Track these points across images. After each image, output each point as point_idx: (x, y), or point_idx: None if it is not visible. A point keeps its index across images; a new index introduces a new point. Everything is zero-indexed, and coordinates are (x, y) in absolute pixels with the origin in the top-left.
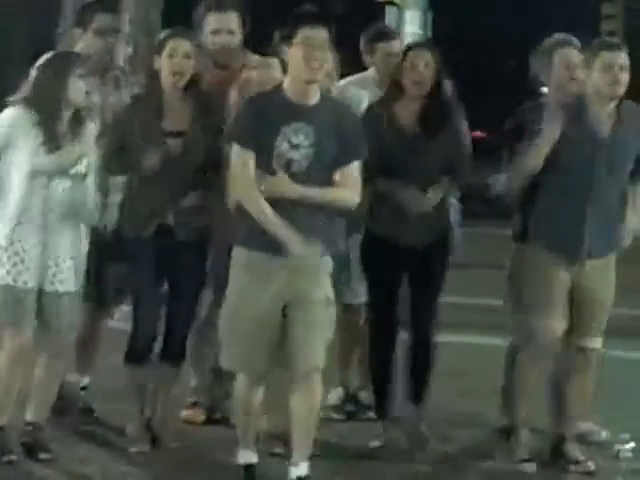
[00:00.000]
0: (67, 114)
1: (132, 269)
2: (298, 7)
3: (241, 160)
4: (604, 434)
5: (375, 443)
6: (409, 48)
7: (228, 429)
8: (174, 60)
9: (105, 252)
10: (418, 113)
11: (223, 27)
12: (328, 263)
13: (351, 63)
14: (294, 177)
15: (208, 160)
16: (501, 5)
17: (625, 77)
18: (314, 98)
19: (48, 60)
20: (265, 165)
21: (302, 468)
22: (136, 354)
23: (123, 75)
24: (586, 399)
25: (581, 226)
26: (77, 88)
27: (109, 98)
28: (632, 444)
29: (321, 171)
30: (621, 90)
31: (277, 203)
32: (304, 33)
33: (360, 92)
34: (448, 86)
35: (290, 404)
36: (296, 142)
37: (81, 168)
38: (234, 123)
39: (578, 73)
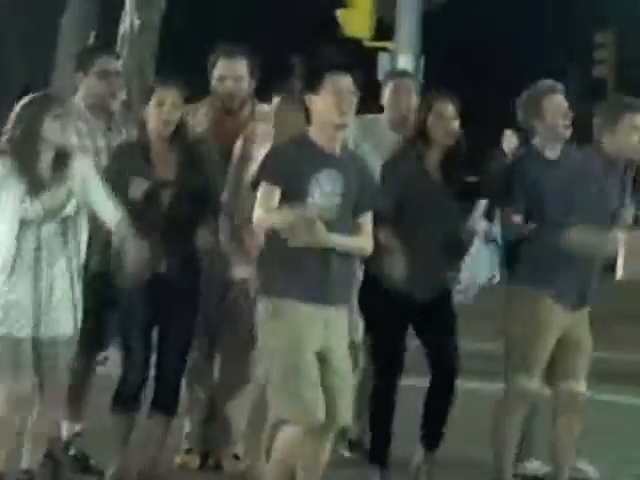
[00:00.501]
0: (48, 156)
1: (124, 316)
2: (314, 54)
3: (267, 194)
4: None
5: None
6: (433, 97)
7: (221, 475)
8: (162, 109)
9: (98, 298)
10: (439, 163)
11: (230, 74)
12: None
13: None
14: (325, 224)
15: (196, 209)
16: (495, 42)
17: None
18: (339, 146)
19: (24, 104)
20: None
21: None
22: (123, 400)
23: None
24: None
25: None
26: (53, 128)
27: (114, 142)
28: None
29: (346, 219)
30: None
31: (311, 249)
32: (333, 80)
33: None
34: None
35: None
36: (327, 190)
37: (70, 210)
38: (262, 167)
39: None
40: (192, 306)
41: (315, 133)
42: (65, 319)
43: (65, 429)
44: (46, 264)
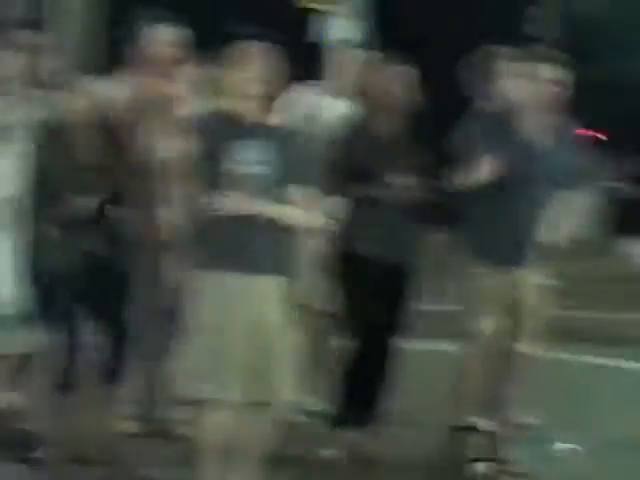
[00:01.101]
0: None
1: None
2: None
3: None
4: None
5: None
6: (385, 63)
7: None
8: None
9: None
10: (395, 126)
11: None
12: (282, 284)
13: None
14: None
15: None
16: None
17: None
18: (262, 117)
19: None
20: (220, 180)
21: None
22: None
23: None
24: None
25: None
26: None
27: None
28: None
29: (279, 191)
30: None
31: (228, 221)
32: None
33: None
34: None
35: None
36: (251, 157)
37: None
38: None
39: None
40: (121, 277)
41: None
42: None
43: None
44: None
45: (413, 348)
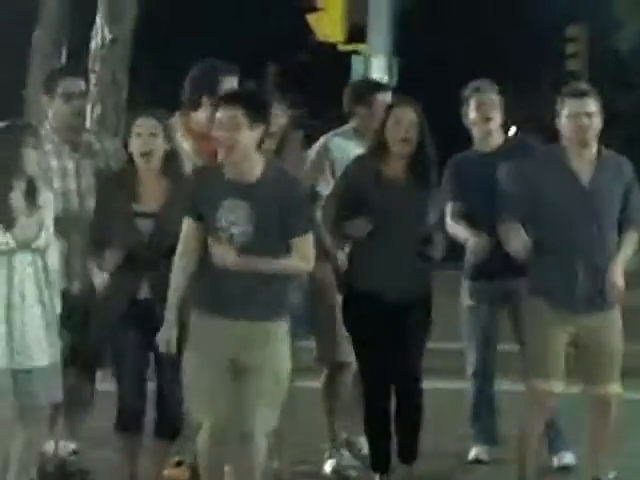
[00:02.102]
0: (21, 186)
1: (112, 342)
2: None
3: (186, 230)
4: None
5: None
6: (392, 105)
7: None
8: (141, 140)
9: (83, 316)
10: (402, 169)
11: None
12: (280, 329)
13: (319, 112)
14: (240, 249)
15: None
16: (469, 45)
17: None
18: (252, 174)
19: (1, 133)
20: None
21: None
22: (124, 423)
23: (94, 140)
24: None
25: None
26: (30, 159)
27: (82, 163)
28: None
29: (265, 245)
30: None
31: (215, 271)
32: (217, 115)
33: (347, 143)
34: (430, 141)
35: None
36: (232, 219)
37: (41, 242)
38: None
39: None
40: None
41: (225, 162)
42: (38, 351)
43: (61, 447)
44: (18, 295)
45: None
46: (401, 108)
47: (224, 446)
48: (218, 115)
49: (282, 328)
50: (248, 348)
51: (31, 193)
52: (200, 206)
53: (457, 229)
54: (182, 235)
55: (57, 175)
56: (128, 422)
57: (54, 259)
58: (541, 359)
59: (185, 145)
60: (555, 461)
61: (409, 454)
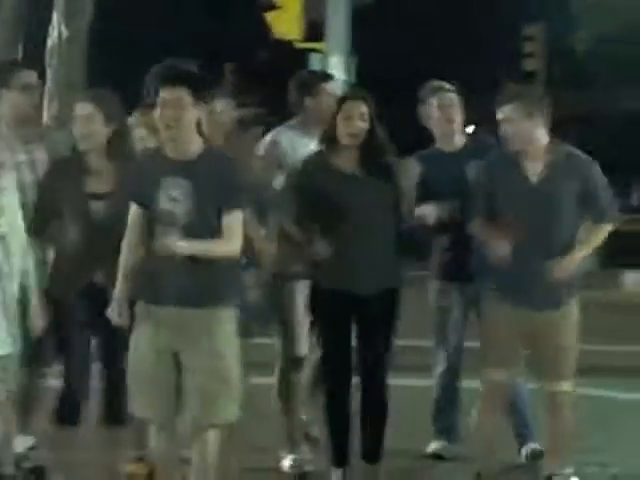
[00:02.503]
0: None
1: (60, 326)
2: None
3: (131, 215)
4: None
5: None
6: (343, 98)
7: None
8: (78, 123)
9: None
10: (355, 161)
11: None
12: (222, 314)
13: (275, 107)
14: (180, 230)
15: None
16: (425, 46)
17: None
18: (193, 152)
19: None
20: (153, 218)
21: None
22: (66, 414)
23: (47, 133)
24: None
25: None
26: None
27: (36, 154)
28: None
29: (206, 221)
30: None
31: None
32: (161, 95)
33: (295, 135)
34: (382, 132)
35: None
36: (174, 195)
37: (2, 229)
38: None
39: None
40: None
41: (164, 143)
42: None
43: (18, 443)
44: None
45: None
46: (352, 101)
47: (174, 440)
48: (163, 95)
49: (226, 314)
50: (186, 335)
51: None
52: (143, 188)
53: (423, 209)
54: (129, 221)
55: (12, 168)
56: (70, 412)
57: (14, 250)
58: (494, 350)
59: (151, 141)
60: (523, 452)
61: (374, 453)
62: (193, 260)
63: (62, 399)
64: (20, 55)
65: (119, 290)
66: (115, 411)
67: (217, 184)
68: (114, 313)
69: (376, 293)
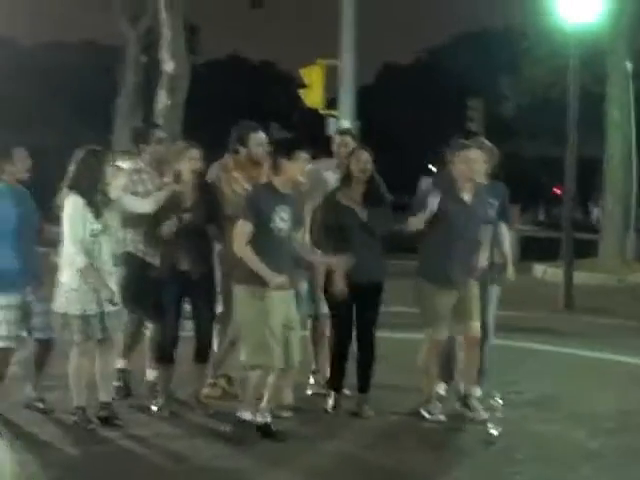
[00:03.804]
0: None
1: (162, 297)
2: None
3: (242, 227)
4: (478, 391)
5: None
6: (354, 149)
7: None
8: (193, 163)
9: (141, 283)
10: (361, 195)
11: (263, 141)
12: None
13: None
14: (285, 238)
15: (208, 227)
16: (406, 112)
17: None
18: (288, 190)
19: (85, 155)
20: (265, 232)
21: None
22: (165, 356)
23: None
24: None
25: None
26: (109, 175)
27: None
28: (500, 401)
29: (294, 232)
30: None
31: (272, 252)
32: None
33: (329, 174)
34: (376, 175)
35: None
36: (284, 217)
37: (114, 226)
38: (244, 204)
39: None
40: (210, 290)
41: (277, 181)
42: (114, 299)
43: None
44: (104, 262)
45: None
46: (360, 150)
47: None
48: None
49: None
50: (290, 309)
51: (105, 194)
52: (259, 212)
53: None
54: (239, 232)
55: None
56: (168, 354)
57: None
58: (435, 317)
59: (236, 175)
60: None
61: (365, 384)
62: (288, 256)
63: (161, 346)
64: (141, 119)
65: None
66: (203, 353)
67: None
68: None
69: (371, 282)
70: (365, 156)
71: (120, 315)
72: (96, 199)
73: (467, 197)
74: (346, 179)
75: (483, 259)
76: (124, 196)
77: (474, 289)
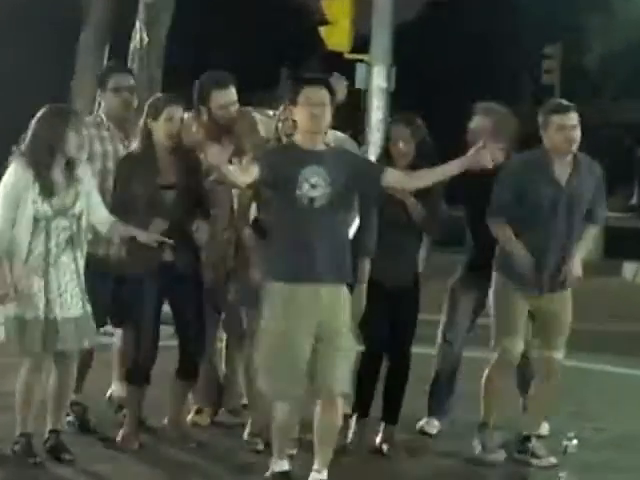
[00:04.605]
0: (61, 163)
1: (135, 301)
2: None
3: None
4: (546, 427)
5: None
6: (391, 122)
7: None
8: (170, 125)
9: (103, 280)
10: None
11: (229, 102)
12: (345, 293)
13: None
14: (318, 211)
15: (194, 207)
16: (458, 56)
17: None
18: (321, 145)
19: (45, 114)
20: (291, 203)
21: (323, 474)
22: (139, 377)
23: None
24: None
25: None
26: (72, 143)
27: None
28: (575, 441)
29: (340, 202)
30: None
31: (300, 233)
32: (306, 94)
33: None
34: (430, 149)
35: (317, 419)
36: (313, 181)
37: (76, 209)
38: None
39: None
40: (197, 285)
41: (299, 137)
42: (73, 302)
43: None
44: (54, 254)
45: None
46: (396, 126)
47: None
48: (308, 94)
49: (345, 294)
50: (325, 310)
51: (70, 169)
52: (275, 176)
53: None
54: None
55: (107, 158)
56: (142, 375)
57: (85, 227)
58: (511, 325)
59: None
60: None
61: (393, 414)
62: (323, 236)
63: (135, 365)
64: (106, 58)
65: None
66: (189, 368)
67: (348, 168)
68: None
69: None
70: (403, 134)
71: (79, 326)
72: (49, 172)
73: (563, 178)
74: (386, 163)
75: (577, 265)
76: None
77: (566, 300)
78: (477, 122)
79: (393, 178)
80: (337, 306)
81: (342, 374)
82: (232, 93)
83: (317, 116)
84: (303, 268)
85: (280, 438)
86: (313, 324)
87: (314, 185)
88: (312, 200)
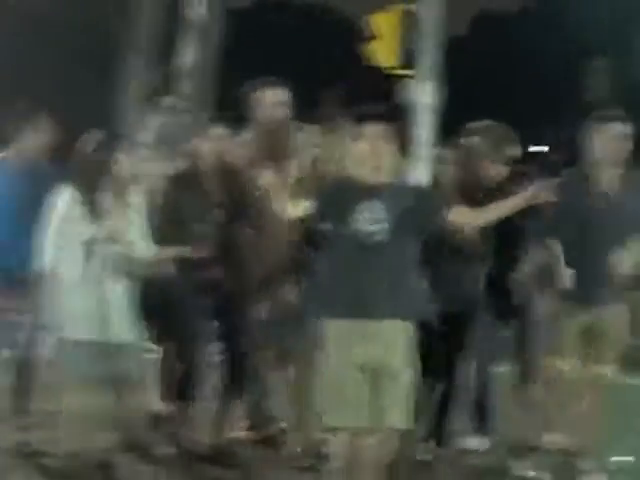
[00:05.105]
0: (111, 187)
1: (184, 315)
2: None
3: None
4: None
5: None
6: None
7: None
8: (215, 144)
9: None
10: None
11: (280, 100)
12: (408, 328)
13: None
14: (377, 246)
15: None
16: (510, 73)
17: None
18: (381, 178)
19: (92, 138)
20: (348, 238)
21: None
22: (187, 391)
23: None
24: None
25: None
26: (122, 165)
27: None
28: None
29: (400, 240)
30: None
31: (357, 269)
32: (368, 131)
33: None
34: None
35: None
36: (367, 217)
37: (126, 235)
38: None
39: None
40: (244, 302)
41: (356, 170)
42: (125, 328)
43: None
44: (104, 278)
45: None
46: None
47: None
48: (370, 130)
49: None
50: (380, 347)
51: (121, 194)
52: (335, 212)
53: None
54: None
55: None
56: (190, 388)
57: (142, 252)
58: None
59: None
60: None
61: (443, 436)
62: (383, 271)
63: (181, 378)
64: (157, 80)
65: None
66: (235, 387)
67: (410, 204)
68: None
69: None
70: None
71: (131, 350)
72: (96, 196)
73: (611, 192)
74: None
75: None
76: None
77: (616, 314)
78: (621, 128)
79: (458, 213)
80: (396, 342)
81: (401, 410)
82: (283, 93)
83: (377, 150)
84: (359, 305)
85: (336, 468)
86: (371, 361)
87: (372, 220)
88: (370, 235)
